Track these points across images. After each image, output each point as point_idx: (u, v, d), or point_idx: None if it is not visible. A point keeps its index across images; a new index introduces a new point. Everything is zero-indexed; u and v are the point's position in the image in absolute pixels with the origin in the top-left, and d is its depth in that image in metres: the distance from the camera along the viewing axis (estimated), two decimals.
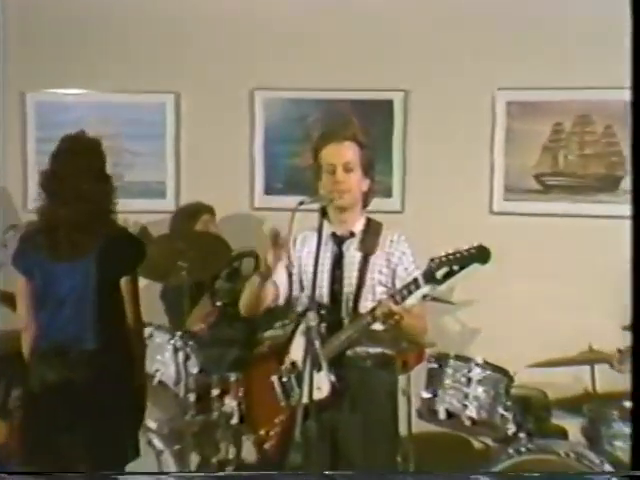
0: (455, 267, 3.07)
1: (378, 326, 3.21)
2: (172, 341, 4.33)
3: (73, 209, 3.39)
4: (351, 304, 3.31)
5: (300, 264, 3.42)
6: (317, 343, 2.98)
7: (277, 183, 5.09)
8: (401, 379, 3.84)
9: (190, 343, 4.34)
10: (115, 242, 3.45)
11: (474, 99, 4.81)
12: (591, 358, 4.03)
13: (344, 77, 4.89)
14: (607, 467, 3.72)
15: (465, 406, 3.92)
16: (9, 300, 3.91)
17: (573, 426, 4.29)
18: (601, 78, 4.51)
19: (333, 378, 3.21)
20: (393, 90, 4.92)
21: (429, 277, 3.09)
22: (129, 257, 3.51)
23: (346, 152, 3.34)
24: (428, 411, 3.99)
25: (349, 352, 3.29)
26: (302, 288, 3.41)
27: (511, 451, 3.82)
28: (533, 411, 4.19)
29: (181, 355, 4.30)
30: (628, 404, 3.51)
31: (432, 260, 3.10)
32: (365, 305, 3.28)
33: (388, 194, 4.92)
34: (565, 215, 4.72)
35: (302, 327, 3.27)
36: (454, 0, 4.78)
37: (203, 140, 5.09)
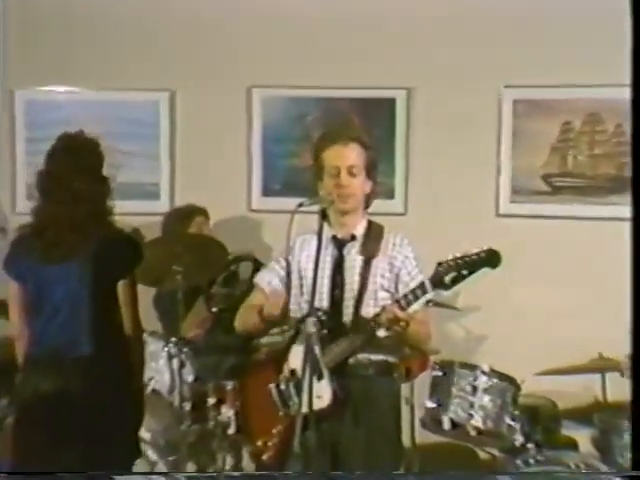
0: (464, 271, 3.05)
1: (382, 332, 3.20)
2: (166, 348, 4.33)
3: (68, 209, 3.39)
4: (352, 310, 3.30)
5: (299, 268, 3.41)
6: (317, 350, 2.98)
7: (275, 184, 5.09)
8: (404, 387, 3.84)
9: (185, 350, 4.33)
10: (111, 244, 3.44)
11: (479, 97, 4.82)
12: (601, 366, 4.02)
13: (345, 74, 4.90)
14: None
15: (471, 415, 3.90)
16: (1, 307, 3.90)
17: (583, 437, 4.29)
18: (611, 75, 4.50)
19: (335, 386, 3.20)
20: (395, 88, 4.93)
21: (437, 282, 3.08)
22: (126, 260, 3.50)
23: (351, 155, 3.33)
24: (432, 421, 3.98)
25: (350, 360, 3.28)
26: (302, 293, 3.40)
27: (519, 463, 3.82)
28: (542, 421, 4.18)
29: (176, 362, 4.29)
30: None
31: (440, 264, 3.08)
32: (367, 311, 3.27)
33: (390, 196, 4.92)
34: (574, 217, 4.72)
35: (301, 333, 3.27)
36: None
37: (199, 140, 5.10)
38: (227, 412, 4.08)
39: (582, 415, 4.23)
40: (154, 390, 4.30)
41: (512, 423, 3.92)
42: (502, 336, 4.65)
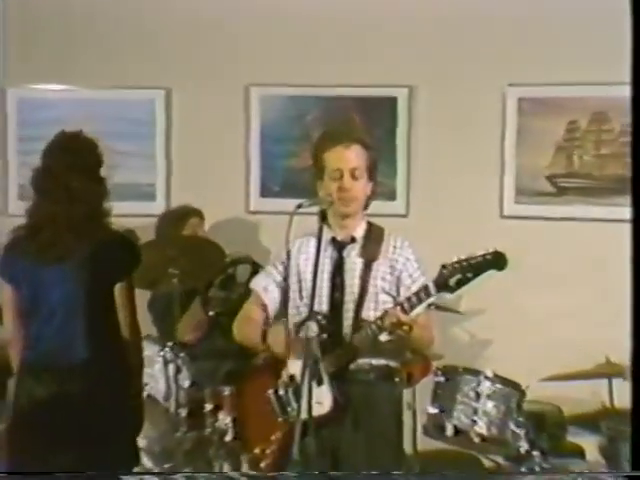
0: (469, 274, 3.05)
1: (384, 337, 3.20)
2: (162, 353, 4.32)
3: (65, 208, 3.39)
4: (353, 313, 3.30)
5: (298, 272, 3.41)
6: (318, 355, 2.97)
7: (274, 185, 5.08)
8: (406, 393, 3.84)
9: (181, 355, 4.32)
10: (109, 246, 3.44)
11: (483, 95, 4.81)
12: (608, 371, 4.02)
13: (345, 72, 4.89)
14: None
15: (474, 422, 3.90)
16: None
17: (590, 444, 4.28)
18: (618, 73, 4.49)
19: (335, 392, 3.20)
20: (397, 86, 4.92)
21: (442, 284, 3.08)
22: (123, 262, 3.49)
23: (353, 157, 3.33)
24: (435, 427, 3.97)
25: (351, 364, 3.28)
26: (301, 297, 3.40)
27: (524, 470, 3.80)
28: (547, 428, 4.18)
29: (171, 368, 4.29)
30: None
31: (444, 267, 3.08)
32: (368, 314, 3.28)
33: (392, 197, 4.92)
34: (580, 219, 4.71)
35: (301, 338, 3.26)
36: None
37: (195, 139, 5.09)
38: (224, 419, 4.08)
39: (589, 422, 4.23)
40: (149, 396, 4.29)
41: (517, 430, 3.91)
42: (506, 340, 4.65)
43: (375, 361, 3.33)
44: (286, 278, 3.36)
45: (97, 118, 4.86)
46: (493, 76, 4.77)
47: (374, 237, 3.40)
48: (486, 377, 3.95)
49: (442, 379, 4.01)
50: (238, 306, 3.68)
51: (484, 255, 3.05)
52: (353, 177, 3.31)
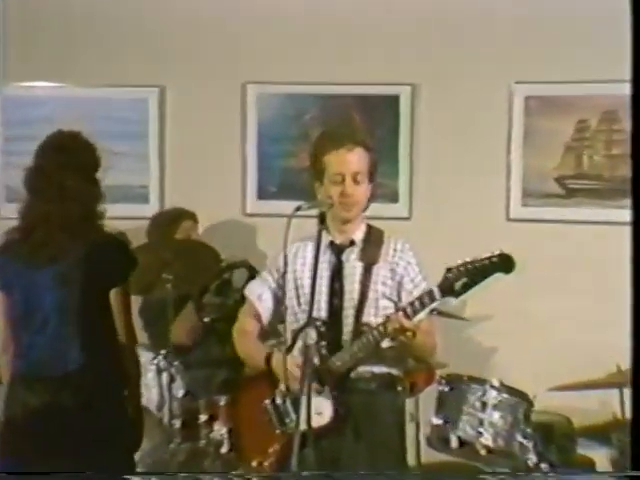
0: (475, 277, 3.05)
1: (386, 343, 3.20)
2: (155, 361, 4.32)
3: (58, 207, 3.39)
4: (353, 319, 3.30)
5: (295, 277, 3.40)
6: (317, 363, 2.96)
7: (271, 186, 5.08)
8: (409, 403, 3.84)
9: (175, 363, 4.32)
10: (104, 249, 3.44)
11: (489, 94, 4.81)
12: (620, 380, 4.00)
13: (345, 70, 4.89)
14: None
15: (480, 433, 3.89)
16: None
17: (601, 457, 4.27)
18: (628, 70, 4.49)
19: (335, 402, 3.19)
20: (399, 84, 4.92)
21: (446, 288, 3.07)
22: (120, 266, 3.49)
23: (356, 161, 3.32)
24: (439, 439, 3.96)
25: (352, 373, 3.27)
26: (298, 303, 3.39)
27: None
28: (556, 439, 4.17)
29: (165, 376, 4.29)
30: None
31: (449, 270, 3.08)
32: (368, 320, 3.27)
33: (394, 199, 4.92)
34: (590, 222, 4.70)
35: (299, 345, 3.26)
36: None
37: (190, 139, 5.08)
38: (220, 429, 4.07)
39: (599, 433, 4.22)
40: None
41: (524, 441, 3.90)
42: (513, 348, 4.64)
43: (377, 369, 3.32)
44: (282, 285, 3.35)
45: (87, 117, 4.84)
46: (499, 73, 4.77)
47: (374, 240, 3.39)
48: (492, 386, 3.94)
49: (446, 388, 4.00)
50: (234, 312, 3.68)
51: (490, 257, 3.05)
52: (355, 181, 3.31)
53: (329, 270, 3.35)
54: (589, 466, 4.24)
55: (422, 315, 3.11)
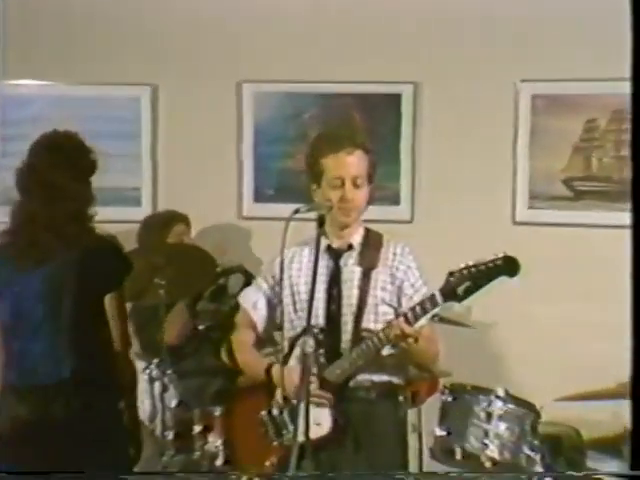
0: (479, 281, 3.05)
1: (386, 350, 3.20)
2: (147, 370, 4.31)
3: (45, 207, 3.40)
4: (352, 326, 3.30)
5: (291, 283, 3.40)
6: (315, 371, 2.96)
7: (268, 189, 5.08)
8: (411, 413, 3.83)
9: (168, 372, 4.31)
10: (97, 254, 3.44)
11: (494, 92, 4.81)
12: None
13: (345, 68, 4.88)
14: None
15: (485, 445, 3.87)
16: None
17: (611, 470, 4.25)
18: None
19: (335, 412, 3.18)
20: (401, 82, 4.91)
21: (449, 293, 3.08)
22: (114, 271, 3.49)
23: (356, 164, 3.34)
24: (442, 450, 3.95)
25: (350, 382, 3.27)
26: (295, 310, 3.39)
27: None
28: (564, 452, 4.17)
29: (157, 386, 4.28)
30: None
31: (451, 274, 3.09)
32: (368, 327, 3.28)
33: (395, 201, 4.92)
34: (599, 225, 4.69)
35: (296, 353, 3.25)
36: None
37: (184, 139, 5.08)
38: (214, 441, 4.06)
39: (609, 446, 4.20)
40: None
41: (531, 454, 3.89)
42: (519, 357, 4.64)
43: (376, 377, 3.33)
44: (279, 292, 3.35)
45: (77, 116, 4.82)
46: (505, 71, 4.77)
47: (372, 244, 3.41)
48: (498, 396, 3.92)
49: (450, 398, 3.98)
50: (229, 319, 3.67)
51: (494, 260, 3.06)
52: (355, 186, 3.32)
53: (326, 275, 3.36)
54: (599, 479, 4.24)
55: (424, 321, 3.12)
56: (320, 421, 3.16)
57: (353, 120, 4.88)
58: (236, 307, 3.77)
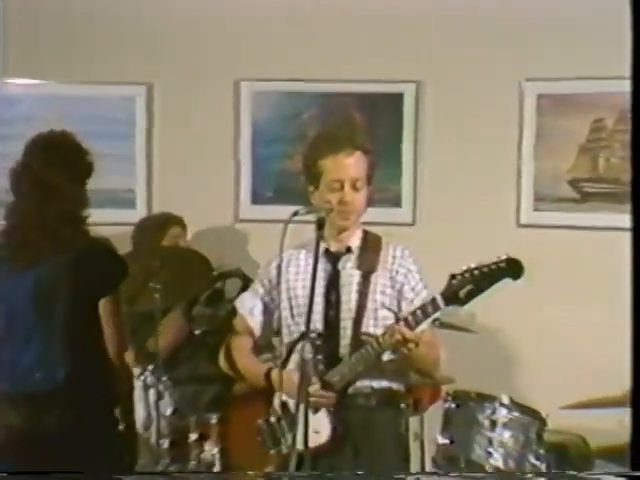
0: (481, 284, 3.05)
1: (387, 356, 3.19)
2: (142, 377, 4.30)
3: (38, 207, 3.39)
4: (350, 331, 3.30)
5: (288, 287, 3.40)
6: (313, 378, 2.96)
7: (266, 190, 5.07)
8: (413, 421, 3.82)
9: (163, 379, 4.31)
10: (92, 257, 3.43)
11: (498, 92, 4.81)
12: None
13: (345, 66, 4.88)
14: None
15: (489, 454, 3.88)
16: None
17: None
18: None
19: (334, 420, 3.18)
20: (403, 81, 4.91)
21: (451, 296, 3.07)
22: (109, 274, 3.48)
23: (355, 166, 3.34)
24: (445, 459, 3.96)
25: (349, 388, 3.26)
26: (292, 315, 3.39)
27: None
28: (570, 461, 4.16)
29: (152, 393, 4.28)
30: None
31: (453, 277, 3.08)
32: (367, 331, 3.27)
33: (397, 203, 4.91)
34: (606, 228, 4.68)
35: (295, 359, 3.24)
36: None
37: (179, 140, 5.07)
38: (211, 449, 4.08)
39: (617, 455, 4.19)
40: None
41: (537, 463, 3.89)
42: (524, 362, 4.64)
43: (376, 384, 3.32)
44: (276, 296, 3.35)
45: (70, 116, 4.83)
46: (509, 70, 4.77)
47: (371, 246, 3.41)
48: (502, 404, 3.93)
49: (453, 406, 3.99)
50: (226, 324, 3.67)
51: (497, 263, 3.06)
52: (354, 188, 3.32)
53: (324, 279, 3.36)
54: None
55: (425, 325, 3.12)
56: (319, 429, 3.16)
57: (353, 120, 4.87)
58: (233, 312, 3.76)
